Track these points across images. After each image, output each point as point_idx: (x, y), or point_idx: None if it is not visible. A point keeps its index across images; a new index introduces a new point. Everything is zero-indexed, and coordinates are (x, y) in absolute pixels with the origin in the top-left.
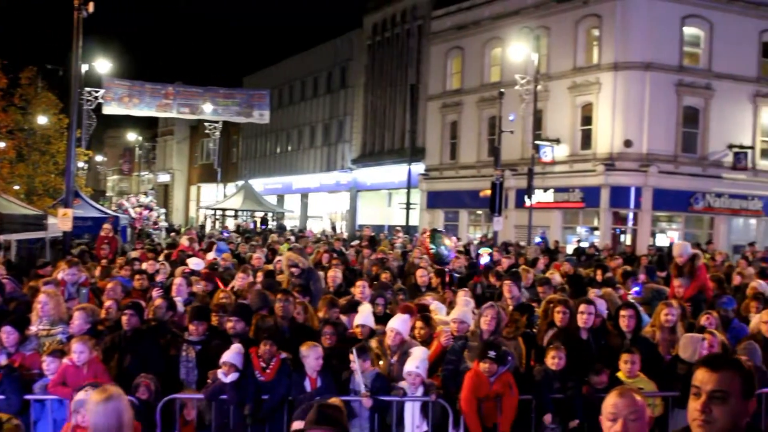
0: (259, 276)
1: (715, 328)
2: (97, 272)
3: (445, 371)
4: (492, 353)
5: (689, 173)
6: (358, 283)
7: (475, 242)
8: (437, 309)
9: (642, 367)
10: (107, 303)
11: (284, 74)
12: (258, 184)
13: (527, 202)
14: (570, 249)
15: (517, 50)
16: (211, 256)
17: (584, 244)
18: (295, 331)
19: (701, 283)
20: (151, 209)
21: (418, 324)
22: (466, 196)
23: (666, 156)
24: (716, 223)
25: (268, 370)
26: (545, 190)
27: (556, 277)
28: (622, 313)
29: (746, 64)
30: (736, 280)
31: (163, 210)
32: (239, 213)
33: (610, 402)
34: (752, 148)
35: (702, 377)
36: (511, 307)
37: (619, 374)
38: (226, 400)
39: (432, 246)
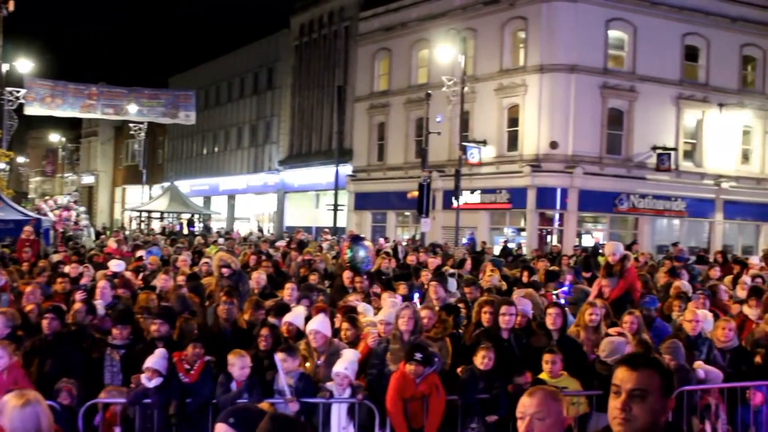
0: (180, 279)
1: (638, 328)
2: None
3: (369, 374)
4: (418, 355)
5: (614, 174)
6: (287, 285)
7: (404, 243)
8: (364, 311)
9: (567, 367)
10: (28, 307)
11: (210, 75)
12: (184, 185)
13: (454, 204)
14: (497, 250)
15: (444, 52)
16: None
17: (511, 245)
18: (237, 333)
19: (629, 284)
20: (69, 209)
21: (344, 325)
22: (394, 197)
23: (591, 157)
24: (640, 223)
25: (192, 372)
26: (472, 191)
27: (495, 279)
28: (549, 311)
29: (669, 67)
30: (661, 280)
31: (83, 208)
32: (165, 215)
33: (520, 401)
34: (675, 149)
35: (622, 376)
36: (437, 308)
37: (542, 375)
38: (149, 404)
39: (348, 252)
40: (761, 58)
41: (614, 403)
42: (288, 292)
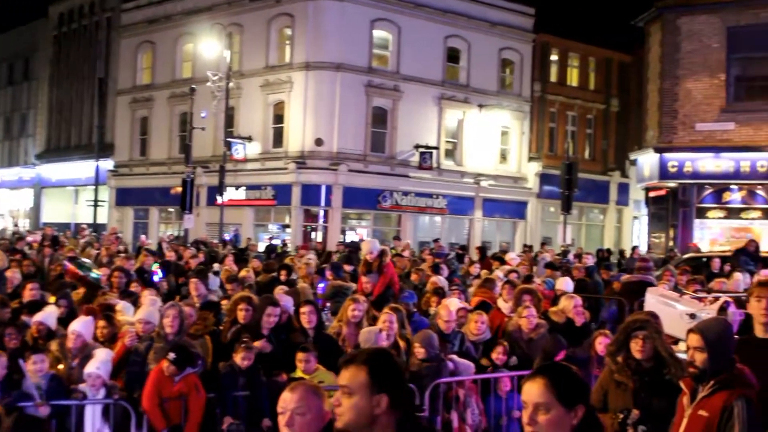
0: None
1: (399, 321)
2: None
3: (128, 372)
4: (171, 355)
5: (378, 172)
6: (28, 285)
7: (167, 240)
8: (123, 309)
9: (324, 362)
10: None
11: None
12: None
13: (219, 200)
14: (262, 246)
15: (210, 47)
16: None
17: (276, 242)
18: None
19: (389, 279)
20: None
21: (101, 323)
22: (157, 193)
23: (356, 155)
24: (403, 220)
25: None
26: (237, 187)
27: (251, 276)
28: (302, 309)
29: (432, 68)
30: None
31: None
32: None
33: (281, 396)
34: (437, 148)
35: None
36: (198, 305)
37: (297, 372)
38: None
39: (80, 272)
40: (519, 61)
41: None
42: (29, 291)
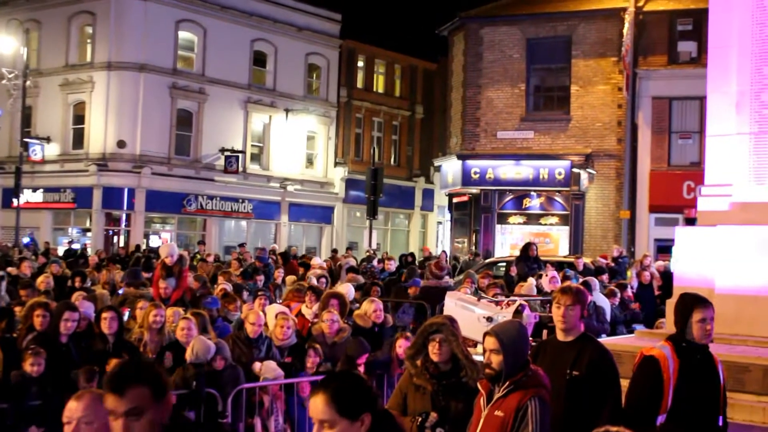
0: None
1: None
2: None
3: None
4: None
5: (183, 175)
6: None
7: None
8: None
9: None
10: None
11: None
12: None
13: (15, 202)
14: (61, 251)
15: (6, 43)
16: None
17: (76, 246)
18: None
19: (186, 285)
20: None
21: None
22: None
23: (160, 158)
24: (209, 224)
25: None
26: (34, 189)
27: (50, 282)
28: (104, 315)
29: (238, 71)
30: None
31: None
32: None
33: (67, 406)
34: (243, 152)
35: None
36: None
37: None
38: None
39: None
40: (325, 66)
41: None
42: None
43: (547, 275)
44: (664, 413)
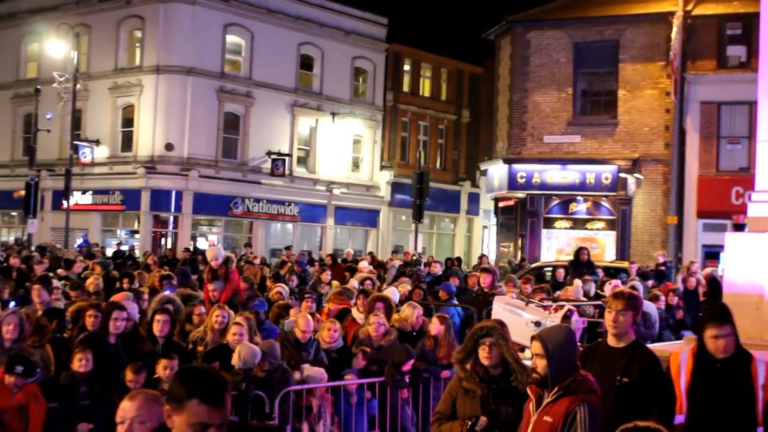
0: None
1: (249, 329)
2: None
3: None
4: (19, 368)
5: (229, 178)
6: None
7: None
8: None
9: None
10: None
11: None
12: None
13: (65, 204)
14: (110, 252)
15: (56, 47)
16: None
17: (125, 248)
18: None
19: (235, 286)
20: None
21: None
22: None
23: (207, 161)
24: (255, 227)
25: None
26: (84, 191)
27: (99, 283)
28: (157, 318)
29: (285, 75)
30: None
31: None
32: None
33: (121, 405)
34: (289, 155)
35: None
36: (40, 312)
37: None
38: None
39: None
40: (372, 70)
41: None
42: None
43: (610, 283)
44: (680, 414)
